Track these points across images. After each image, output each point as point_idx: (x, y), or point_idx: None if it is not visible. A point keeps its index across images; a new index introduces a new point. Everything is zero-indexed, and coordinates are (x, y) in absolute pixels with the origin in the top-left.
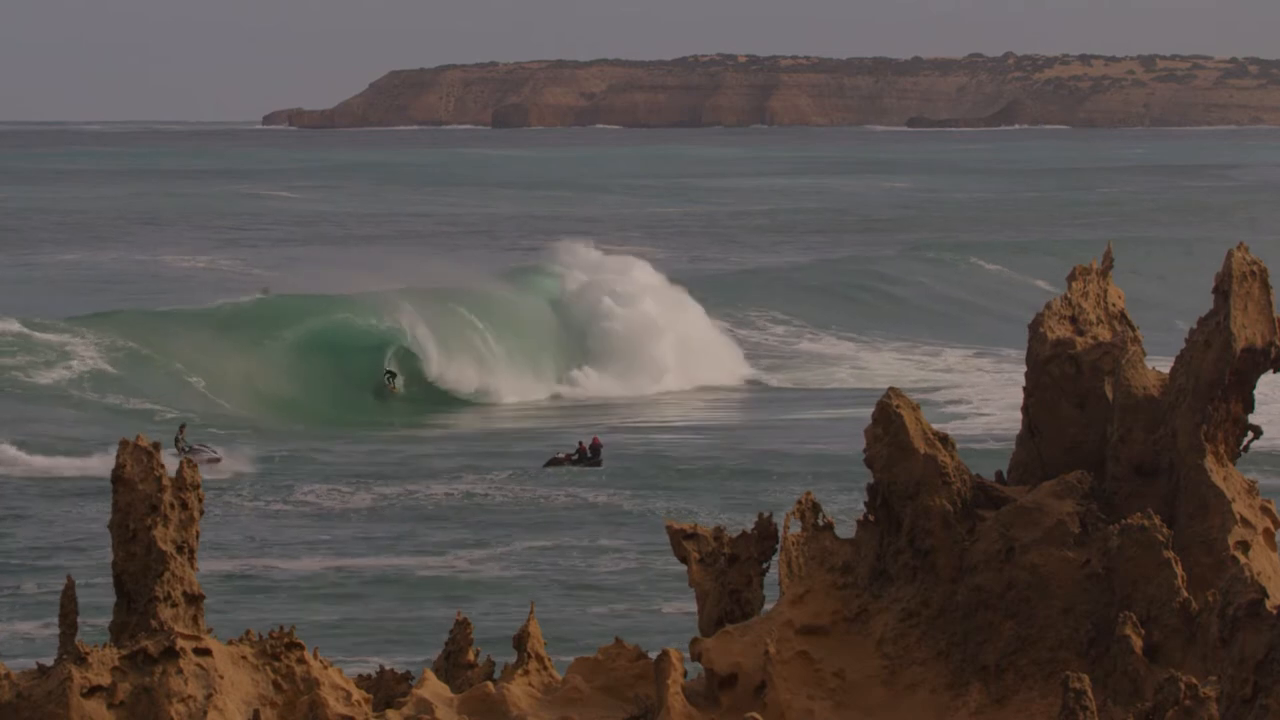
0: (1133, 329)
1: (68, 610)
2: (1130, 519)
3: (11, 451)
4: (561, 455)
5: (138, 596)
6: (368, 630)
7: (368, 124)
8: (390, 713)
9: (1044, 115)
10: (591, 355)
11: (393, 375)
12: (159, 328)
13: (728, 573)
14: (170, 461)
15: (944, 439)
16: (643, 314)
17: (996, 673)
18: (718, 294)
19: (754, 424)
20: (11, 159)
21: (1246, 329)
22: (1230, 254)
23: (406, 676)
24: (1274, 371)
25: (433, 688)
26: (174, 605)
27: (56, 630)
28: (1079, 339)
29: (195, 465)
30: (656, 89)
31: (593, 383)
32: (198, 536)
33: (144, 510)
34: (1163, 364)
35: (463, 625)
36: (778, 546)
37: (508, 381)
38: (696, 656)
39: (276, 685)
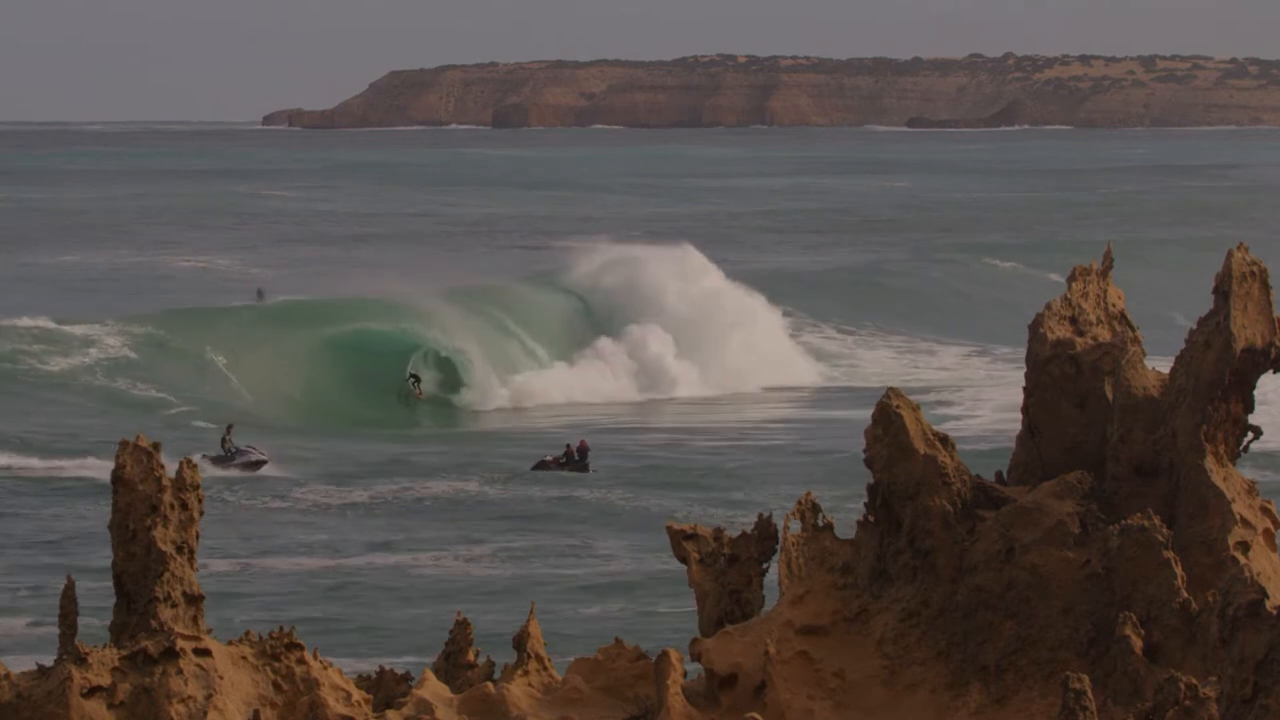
0: (1133, 329)
1: (68, 610)
2: (1130, 519)
3: (22, 452)
4: (549, 458)
5: (138, 597)
6: (367, 630)
7: (368, 124)
8: (390, 713)
9: (1044, 115)
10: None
11: (417, 380)
12: (183, 326)
13: (728, 573)
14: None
15: (944, 439)
16: (708, 311)
17: (996, 673)
18: None
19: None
20: (11, 159)
21: (1246, 329)
22: (1230, 254)
23: (406, 677)
24: (1274, 372)
25: (433, 688)
26: (174, 605)
27: (56, 630)
28: (1079, 339)
29: (194, 465)
30: (656, 89)
31: (667, 383)
32: (198, 537)
33: (144, 510)
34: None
35: (463, 625)
36: (778, 547)
37: (545, 383)
38: (696, 657)
39: (276, 685)
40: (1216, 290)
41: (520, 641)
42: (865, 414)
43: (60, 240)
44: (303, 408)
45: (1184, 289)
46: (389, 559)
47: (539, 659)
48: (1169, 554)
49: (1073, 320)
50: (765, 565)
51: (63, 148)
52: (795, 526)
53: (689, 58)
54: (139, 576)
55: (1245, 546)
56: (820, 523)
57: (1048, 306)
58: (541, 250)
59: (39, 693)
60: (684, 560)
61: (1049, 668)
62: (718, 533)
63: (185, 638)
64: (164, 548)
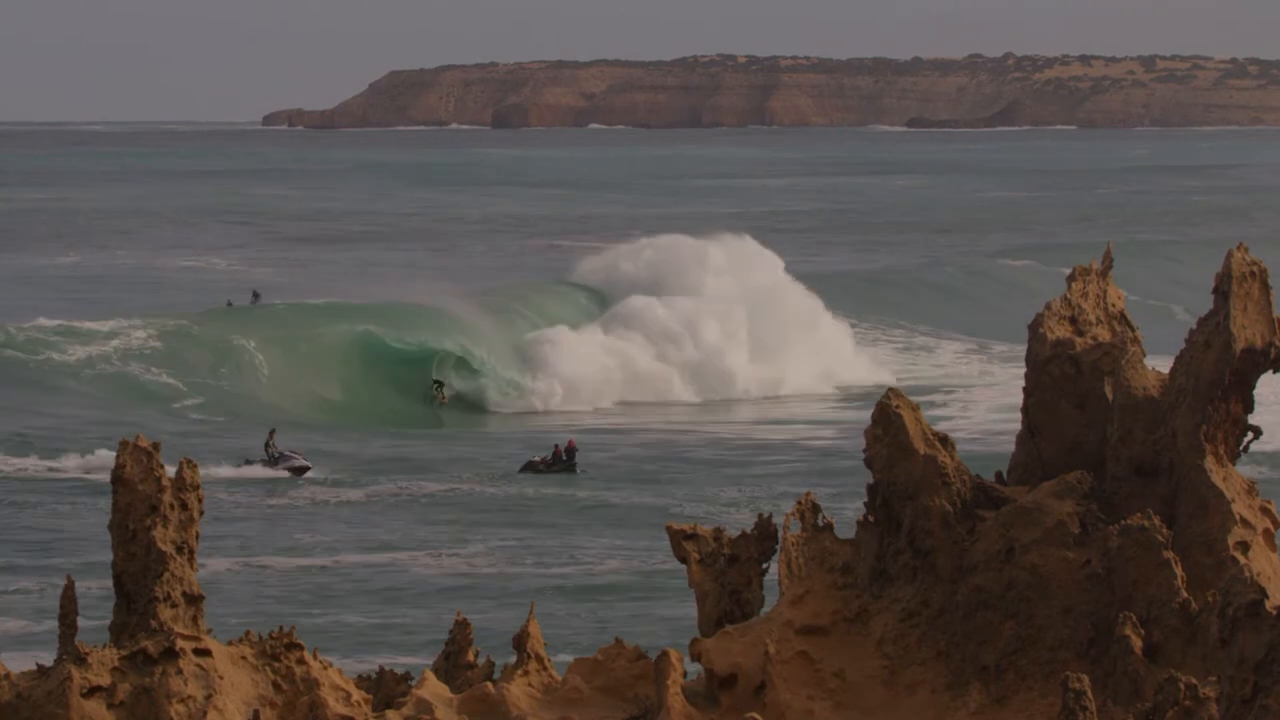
0: (1132, 329)
1: (67, 610)
2: (1130, 519)
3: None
4: (537, 459)
5: (137, 597)
6: (366, 630)
7: (368, 124)
8: (390, 713)
9: (1044, 115)
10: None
11: (440, 384)
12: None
13: (727, 573)
14: (259, 468)
15: (944, 439)
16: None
17: (996, 673)
18: None
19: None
20: (12, 159)
21: (1246, 329)
22: (1230, 254)
23: (406, 677)
24: (1274, 372)
25: (432, 688)
26: (174, 606)
27: (56, 630)
28: (1079, 339)
29: (195, 466)
30: (656, 89)
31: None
32: (198, 537)
33: (144, 510)
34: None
35: (463, 625)
36: (777, 547)
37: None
38: (696, 657)
39: (276, 685)
40: (1216, 290)
41: (520, 641)
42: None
43: (62, 240)
44: (315, 408)
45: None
46: (388, 558)
47: (539, 659)
48: (1169, 554)
49: (1073, 320)
50: (765, 565)
51: (63, 148)
52: (795, 526)
53: (689, 58)
54: (139, 576)
55: (1245, 546)
56: (820, 523)
57: (1047, 306)
58: (553, 250)
59: (39, 693)
60: (684, 560)
61: (1049, 668)
62: (718, 533)
63: (185, 638)
64: (164, 548)
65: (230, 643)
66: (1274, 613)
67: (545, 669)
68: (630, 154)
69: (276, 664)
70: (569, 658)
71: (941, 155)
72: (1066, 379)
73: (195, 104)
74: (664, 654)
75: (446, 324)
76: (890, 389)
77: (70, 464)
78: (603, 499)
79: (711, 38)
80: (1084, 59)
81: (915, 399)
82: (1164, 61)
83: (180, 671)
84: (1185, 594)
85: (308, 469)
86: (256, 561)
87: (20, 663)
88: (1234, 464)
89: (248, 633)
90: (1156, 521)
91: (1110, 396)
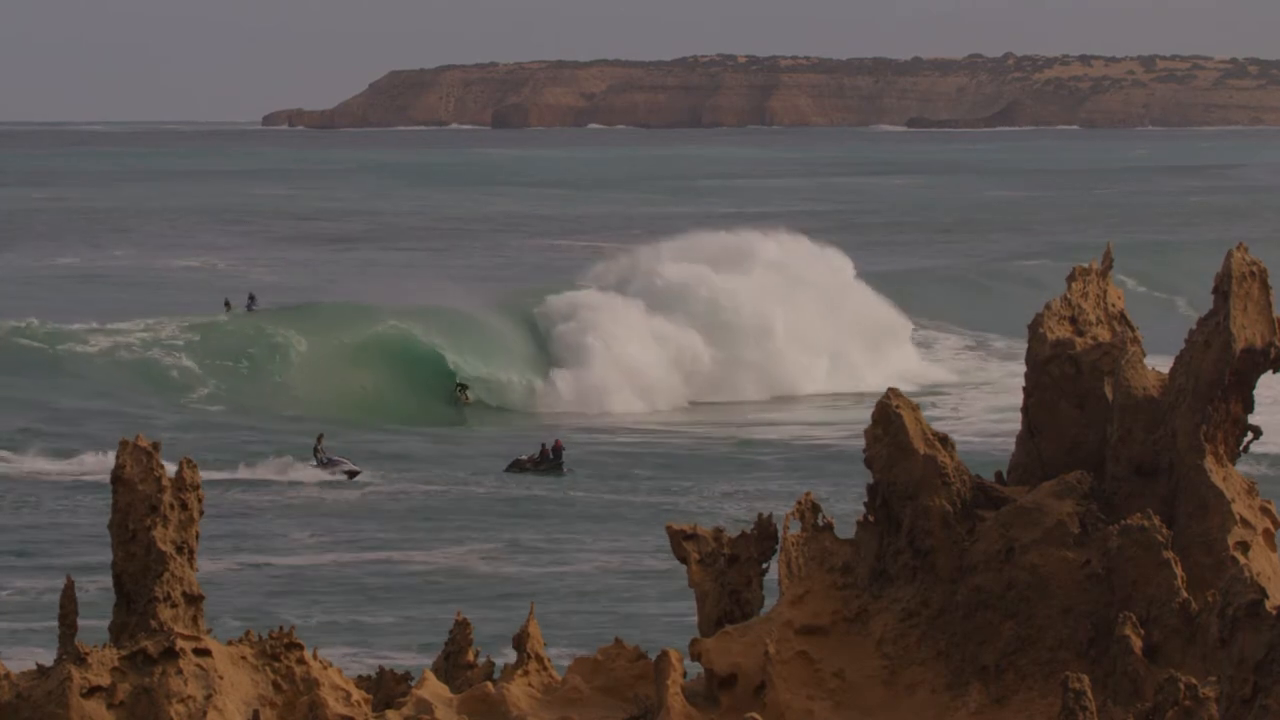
0: (1132, 329)
1: (67, 610)
2: (1130, 519)
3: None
4: (524, 457)
5: (137, 597)
6: (365, 630)
7: (368, 124)
8: (390, 713)
9: (1044, 116)
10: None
11: (464, 387)
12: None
13: (727, 573)
14: (309, 470)
15: (944, 439)
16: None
17: (996, 673)
18: None
19: None
20: (12, 159)
21: (1246, 329)
22: (1230, 254)
23: (406, 677)
24: (1274, 371)
25: (432, 688)
26: (174, 605)
27: (56, 630)
28: (1079, 339)
29: (195, 465)
30: (656, 89)
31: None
32: (197, 537)
33: (144, 510)
34: None
35: (462, 625)
36: (777, 547)
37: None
38: (696, 657)
39: (276, 685)
40: (1216, 290)
41: (520, 641)
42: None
43: (60, 241)
44: (339, 409)
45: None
46: (388, 558)
47: (539, 659)
48: (1169, 554)
49: (1072, 320)
50: (765, 565)
51: (63, 148)
52: (795, 526)
53: (689, 58)
54: (139, 576)
55: (1245, 546)
56: (820, 523)
57: (1047, 307)
58: (553, 250)
59: (39, 693)
60: (684, 560)
61: (1049, 668)
62: (717, 533)
63: (185, 638)
64: (164, 548)
65: (230, 643)
66: (1274, 613)
67: (545, 669)
68: (630, 154)
69: (276, 664)
70: (563, 649)
71: (943, 155)
72: (1066, 379)
73: (195, 104)
74: (664, 654)
75: (469, 325)
76: (890, 389)
77: (84, 463)
78: (614, 498)
79: (711, 38)
80: (1084, 59)
81: (983, 400)
82: (1164, 61)
83: (180, 671)
84: (1185, 594)
85: (358, 473)
86: (257, 561)
87: (20, 662)
88: (1234, 464)
89: (248, 632)
90: (1156, 521)
91: (1110, 396)
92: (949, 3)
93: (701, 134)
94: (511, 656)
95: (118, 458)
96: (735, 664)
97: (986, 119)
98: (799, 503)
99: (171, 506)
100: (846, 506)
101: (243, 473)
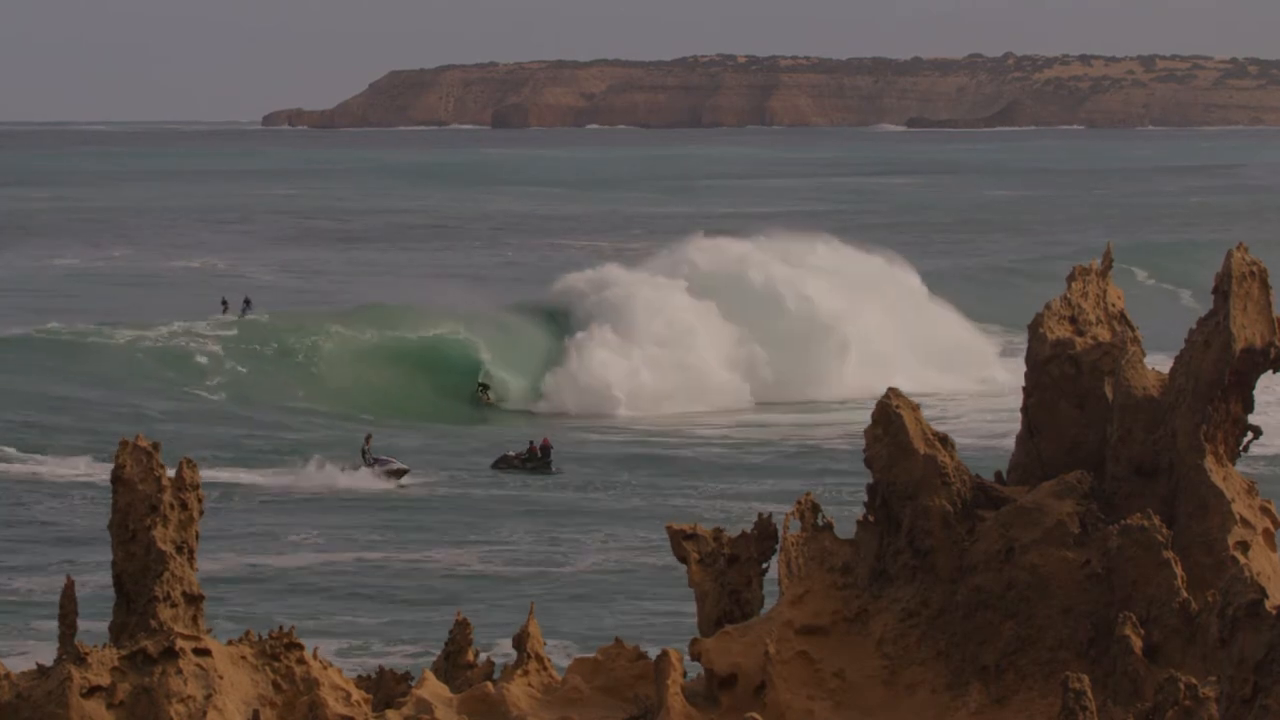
0: (1132, 329)
1: (67, 610)
2: (1130, 519)
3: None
4: (512, 454)
5: (137, 596)
6: (364, 630)
7: (368, 124)
8: (390, 713)
9: (1044, 116)
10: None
11: (486, 387)
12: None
13: (727, 573)
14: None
15: (944, 439)
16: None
17: (996, 673)
18: None
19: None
20: (12, 159)
21: (1246, 329)
22: (1229, 254)
23: (406, 677)
24: (1274, 371)
25: (432, 688)
26: (173, 605)
27: (56, 630)
28: (1079, 339)
29: (194, 465)
30: (656, 89)
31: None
32: (197, 537)
33: (144, 510)
34: None
35: (462, 625)
36: (777, 547)
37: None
38: (696, 656)
39: (276, 685)
40: (1216, 290)
41: (520, 641)
42: None
43: (61, 240)
44: (362, 409)
45: None
46: (386, 558)
47: (539, 659)
48: (1169, 554)
49: (1072, 320)
50: (765, 565)
51: (63, 148)
52: (795, 526)
53: (689, 58)
54: (139, 576)
55: (1245, 546)
56: (820, 522)
57: (1047, 307)
58: (555, 250)
59: (39, 693)
60: (684, 560)
61: (1049, 668)
62: (717, 533)
63: (185, 637)
64: (164, 547)
65: (230, 642)
66: (1274, 613)
67: (545, 669)
68: (630, 154)
69: (276, 664)
70: (558, 642)
71: (943, 155)
72: (1066, 379)
73: (195, 104)
74: (664, 654)
75: (489, 326)
76: (891, 388)
77: (89, 463)
78: (614, 499)
79: (711, 38)
80: (1084, 59)
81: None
82: (1164, 61)
83: (180, 671)
84: (1185, 594)
85: (405, 472)
86: (255, 562)
87: (20, 662)
88: (1234, 464)
89: (248, 632)
90: (1156, 521)
91: (1110, 396)
92: (949, 3)
93: (701, 134)
94: (512, 656)
95: (117, 458)
96: (735, 664)
97: (986, 119)
98: (799, 503)
99: (171, 506)
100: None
101: (249, 473)
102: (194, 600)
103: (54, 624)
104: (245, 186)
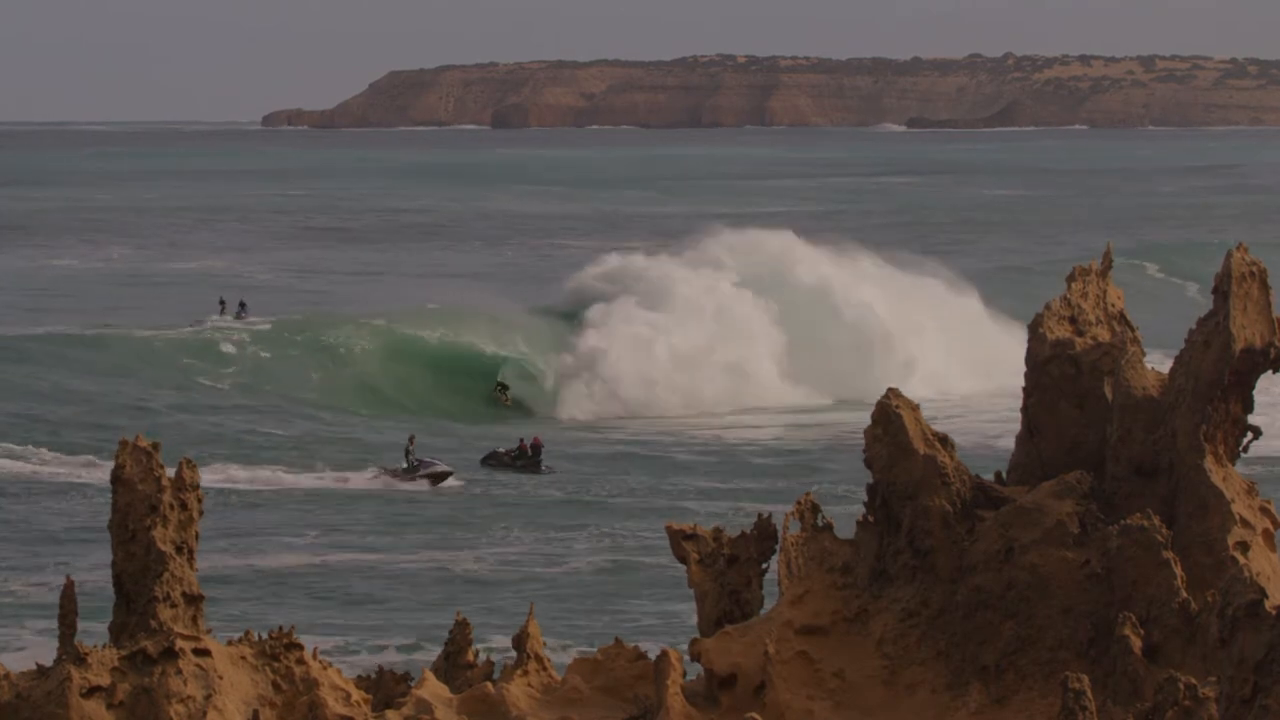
0: (1132, 329)
1: (67, 610)
2: (1130, 519)
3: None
4: (502, 450)
5: (137, 597)
6: (362, 629)
7: (368, 124)
8: (390, 713)
9: (1044, 116)
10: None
11: (504, 388)
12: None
13: (727, 573)
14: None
15: (944, 439)
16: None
17: (996, 673)
18: None
19: None
20: (12, 159)
21: (1246, 329)
22: (1229, 254)
23: (406, 677)
24: (1273, 372)
25: (432, 688)
26: (173, 605)
27: (56, 630)
28: (1079, 339)
29: (194, 466)
30: (656, 89)
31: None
32: (197, 537)
33: (143, 510)
34: None
35: (462, 625)
36: (777, 547)
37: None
38: (696, 657)
39: (276, 685)
40: (1216, 290)
41: (520, 641)
42: None
43: (62, 241)
44: (376, 409)
45: None
46: (386, 558)
47: (539, 659)
48: (1169, 554)
49: (1072, 320)
50: (765, 565)
51: (63, 148)
52: (795, 526)
53: (689, 58)
54: (138, 576)
55: (1245, 546)
56: (820, 523)
57: (1047, 307)
58: (558, 250)
59: (39, 693)
60: (683, 560)
61: (1049, 668)
62: (717, 533)
63: (185, 638)
64: (163, 548)
65: (230, 642)
66: (1274, 613)
67: (545, 669)
68: (631, 154)
69: (276, 664)
70: (567, 652)
71: (943, 155)
72: (1066, 379)
73: (195, 104)
74: (664, 654)
75: (507, 327)
76: (890, 388)
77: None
78: (608, 498)
79: (711, 38)
80: (1084, 59)
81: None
82: (1164, 61)
83: (180, 671)
84: (1185, 594)
85: (449, 474)
86: (255, 562)
87: (20, 662)
88: (1234, 464)
89: (247, 632)
90: (1156, 521)
91: (1110, 396)
92: (949, 3)
93: (701, 134)
94: (512, 656)
95: (117, 458)
96: (735, 664)
97: (986, 119)
98: (799, 503)
99: (171, 506)
100: None
101: (246, 472)
102: (194, 600)
103: (53, 624)
104: (245, 186)
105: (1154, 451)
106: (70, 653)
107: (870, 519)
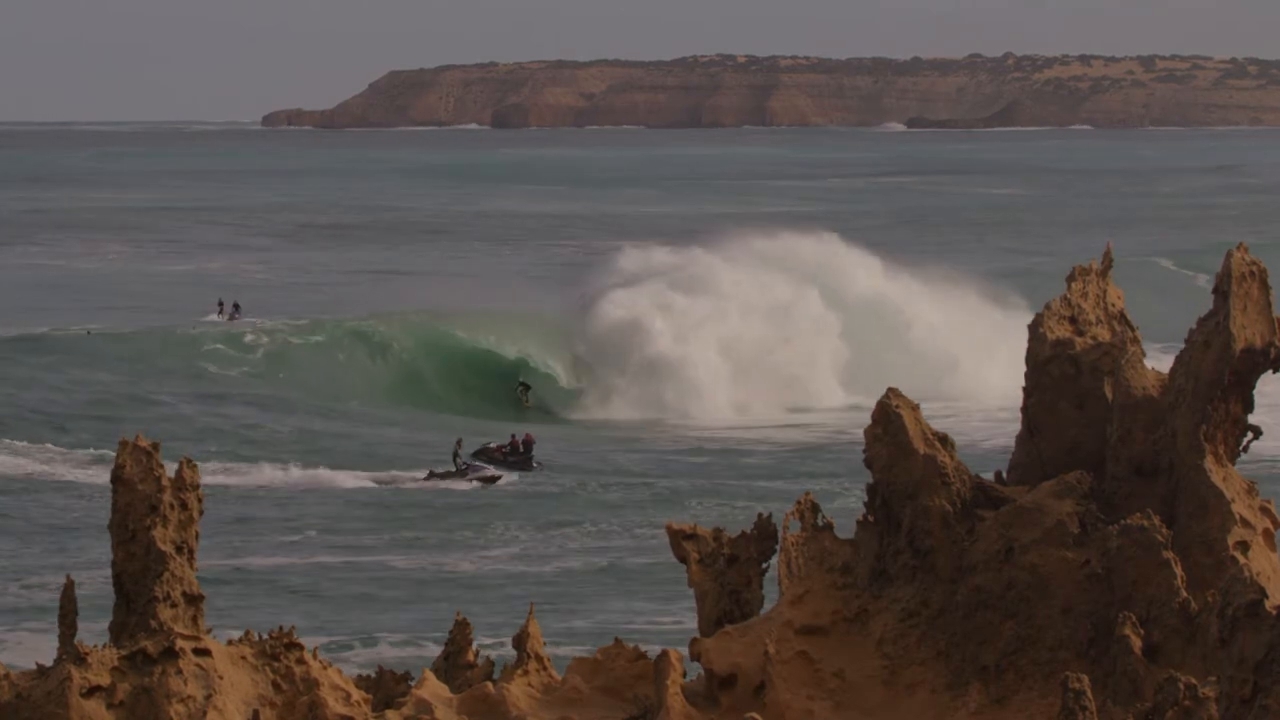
0: (1132, 329)
1: (67, 610)
2: (1130, 519)
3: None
4: (493, 445)
5: (137, 597)
6: (363, 629)
7: (368, 124)
8: (390, 713)
9: (1043, 116)
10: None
11: (526, 388)
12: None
13: (727, 573)
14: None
15: (944, 439)
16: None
17: (996, 673)
18: None
19: None
20: (12, 159)
21: (1246, 329)
22: (1229, 254)
23: (406, 677)
24: (1274, 371)
25: (432, 688)
26: (173, 605)
27: (56, 630)
28: (1079, 339)
29: (194, 465)
30: (656, 89)
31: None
32: (197, 537)
33: (143, 510)
34: None
35: (462, 625)
36: (777, 547)
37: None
38: (696, 657)
39: (276, 685)
40: (1216, 290)
41: (520, 641)
42: None
43: (61, 240)
44: (397, 410)
45: None
46: (386, 558)
47: (539, 659)
48: (1169, 554)
49: (1072, 320)
50: (765, 565)
51: (63, 148)
52: (795, 526)
53: (689, 58)
54: (139, 576)
55: (1245, 546)
56: (820, 523)
57: (1047, 307)
58: (565, 250)
59: (39, 693)
60: (683, 560)
61: (1049, 668)
62: (717, 533)
63: (185, 638)
64: (163, 547)
65: (230, 642)
66: (1274, 613)
67: (545, 669)
68: (631, 154)
69: (276, 664)
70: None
71: (945, 155)
72: (1066, 379)
73: (195, 104)
74: (664, 654)
75: (528, 327)
76: (890, 388)
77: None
78: (608, 498)
79: (711, 38)
80: (1084, 59)
81: None
82: (1164, 61)
83: (180, 671)
84: (1185, 594)
85: (498, 478)
86: (254, 562)
87: (19, 661)
88: (1234, 464)
89: (247, 632)
90: (1156, 521)
91: (1110, 396)
92: (949, 3)
93: (701, 134)
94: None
95: (117, 458)
96: (735, 664)
97: (986, 119)
98: (799, 503)
99: (171, 506)
100: None
101: (226, 473)
102: (194, 600)
103: (53, 623)
104: (245, 186)
105: (1154, 451)
106: (70, 652)
107: (870, 519)
